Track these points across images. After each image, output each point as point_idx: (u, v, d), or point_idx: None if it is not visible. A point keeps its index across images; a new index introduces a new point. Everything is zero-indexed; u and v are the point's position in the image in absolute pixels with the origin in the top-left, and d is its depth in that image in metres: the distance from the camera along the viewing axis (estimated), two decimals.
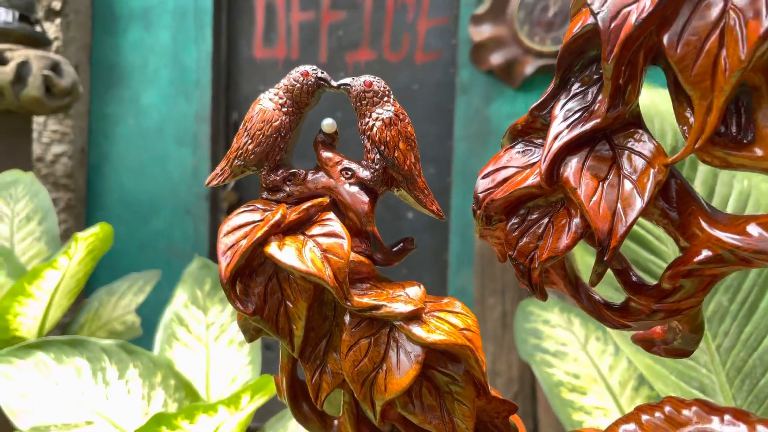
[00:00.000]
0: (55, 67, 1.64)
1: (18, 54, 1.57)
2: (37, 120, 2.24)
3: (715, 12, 0.24)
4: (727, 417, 0.25)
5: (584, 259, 0.59)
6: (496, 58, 1.90)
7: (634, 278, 0.30)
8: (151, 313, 1.26)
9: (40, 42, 1.73)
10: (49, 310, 0.97)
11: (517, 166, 0.31)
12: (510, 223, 0.31)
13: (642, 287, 0.30)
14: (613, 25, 0.26)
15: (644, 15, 0.26)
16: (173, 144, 2.37)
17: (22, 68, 1.56)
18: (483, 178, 0.32)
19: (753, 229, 0.25)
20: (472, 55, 1.94)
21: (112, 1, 2.39)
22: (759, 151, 0.25)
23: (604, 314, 0.31)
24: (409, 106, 2.05)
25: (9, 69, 1.53)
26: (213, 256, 2.28)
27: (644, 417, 0.27)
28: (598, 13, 0.27)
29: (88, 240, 0.92)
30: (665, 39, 0.26)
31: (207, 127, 2.30)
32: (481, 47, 1.91)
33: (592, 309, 0.31)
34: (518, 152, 0.32)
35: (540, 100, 0.31)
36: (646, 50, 0.27)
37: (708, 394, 0.54)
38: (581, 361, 0.74)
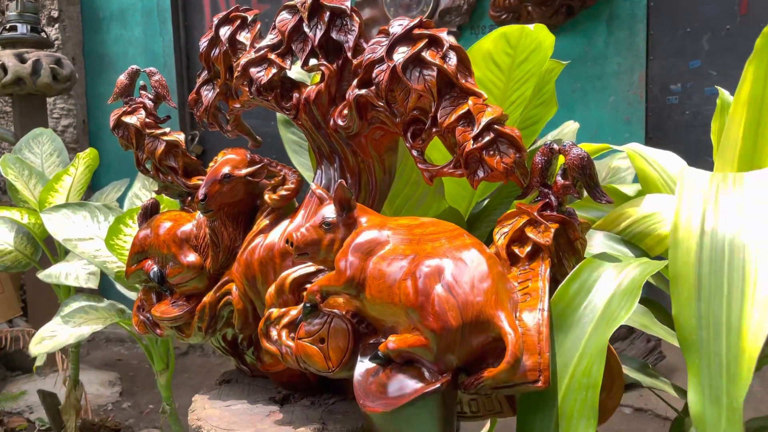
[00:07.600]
0: (58, 62, 2.39)
1: (32, 55, 2.33)
2: (48, 101, 2.99)
3: None
4: None
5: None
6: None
7: None
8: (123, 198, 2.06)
9: (45, 44, 2.48)
10: (68, 200, 1.74)
11: None
12: None
13: None
14: None
15: None
16: None
17: (36, 64, 2.31)
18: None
19: None
20: None
21: (97, 6, 3.12)
22: None
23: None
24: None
25: (27, 65, 2.28)
26: None
27: None
28: None
29: (85, 158, 1.67)
30: None
31: (174, 99, 3.03)
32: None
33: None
34: None
35: None
36: None
37: None
38: None
